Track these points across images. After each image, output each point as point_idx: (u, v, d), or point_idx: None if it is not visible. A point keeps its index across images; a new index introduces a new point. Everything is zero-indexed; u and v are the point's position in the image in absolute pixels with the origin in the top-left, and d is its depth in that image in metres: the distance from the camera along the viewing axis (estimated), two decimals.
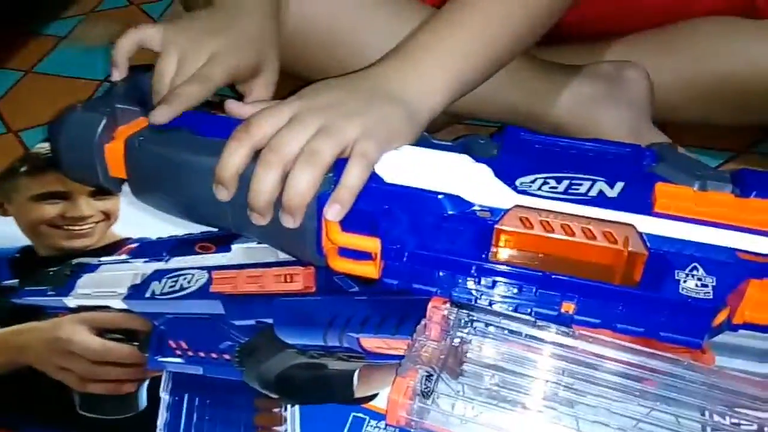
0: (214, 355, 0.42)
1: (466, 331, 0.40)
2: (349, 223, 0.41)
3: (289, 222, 0.41)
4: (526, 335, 0.40)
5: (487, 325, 0.41)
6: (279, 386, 0.41)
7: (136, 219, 0.53)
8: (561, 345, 0.40)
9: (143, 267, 0.48)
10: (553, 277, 0.39)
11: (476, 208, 0.41)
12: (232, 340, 0.43)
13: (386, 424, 0.38)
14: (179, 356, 0.42)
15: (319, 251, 0.43)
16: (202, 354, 0.43)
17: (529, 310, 0.40)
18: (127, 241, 0.51)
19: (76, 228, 0.52)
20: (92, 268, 0.48)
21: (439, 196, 0.41)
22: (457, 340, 0.40)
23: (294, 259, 0.48)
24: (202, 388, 0.41)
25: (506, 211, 0.40)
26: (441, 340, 0.40)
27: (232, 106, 0.45)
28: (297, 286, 0.47)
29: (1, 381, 0.42)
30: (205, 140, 0.44)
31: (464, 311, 0.41)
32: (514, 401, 0.38)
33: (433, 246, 0.41)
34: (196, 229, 0.51)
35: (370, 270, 0.41)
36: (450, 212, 0.41)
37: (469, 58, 0.46)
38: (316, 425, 0.39)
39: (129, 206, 0.54)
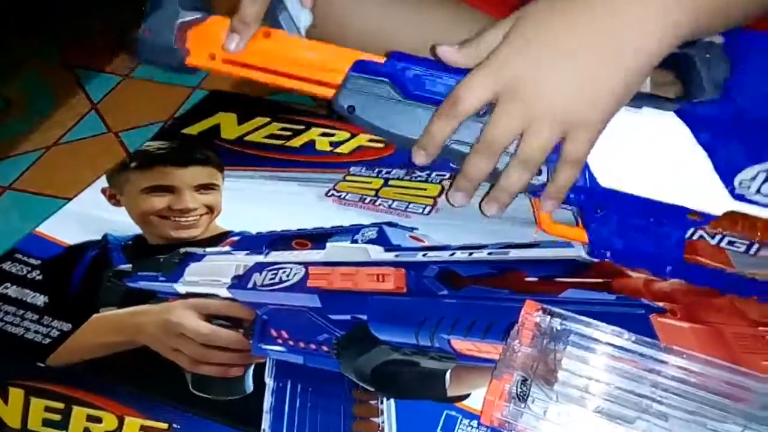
0: (313, 346, 0.45)
1: (558, 338, 0.41)
2: None
3: (492, 210, 0.46)
4: (618, 346, 0.41)
5: (579, 334, 0.42)
6: (374, 380, 0.43)
7: (237, 213, 0.56)
8: (653, 359, 0.41)
9: (245, 259, 0.51)
10: None
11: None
12: (329, 332, 0.46)
13: (479, 424, 0.40)
14: (281, 345, 0.45)
15: None
16: (302, 344, 0.45)
17: None
18: (229, 234, 0.54)
19: (182, 219, 0.55)
20: (198, 258, 0.52)
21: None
22: (550, 348, 0.41)
23: (386, 259, 0.50)
24: (304, 376, 0.43)
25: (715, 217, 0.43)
26: (534, 347, 0.41)
27: (445, 53, 0.44)
28: (388, 286, 0.49)
29: (120, 359, 0.45)
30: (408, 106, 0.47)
31: (557, 319, 0.42)
32: (606, 411, 0.39)
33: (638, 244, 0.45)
34: (293, 225, 0.54)
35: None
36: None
37: None
38: (411, 419, 0.41)
39: (230, 201, 0.57)
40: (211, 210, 0.56)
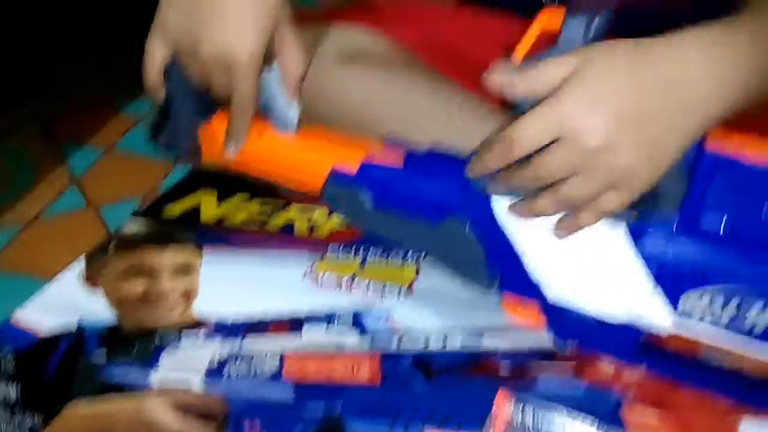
0: None
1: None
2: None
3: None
4: None
5: (549, 429, 0.42)
6: None
7: (214, 295, 0.56)
8: None
9: (220, 347, 0.51)
10: None
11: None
12: (303, 425, 0.46)
13: None
14: None
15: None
16: None
17: None
18: (205, 320, 0.54)
19: (159, 305, 0.55)
20: (174, 346, 0.52)
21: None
22: None
23: (361, 347, 0.51)
24: None
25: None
26: None
27: (504, 78, 0.41)
28: (363, 375, 0.49)
29: None
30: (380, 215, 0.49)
31: (528, 410, 0.43)
32: None
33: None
34: (271, 307, 0.55)
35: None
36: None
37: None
38: None
39: (208, 283, 0.57)
40: (188, 295, 0.56)
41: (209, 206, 0.66)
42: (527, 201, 0.44)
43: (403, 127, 0.63)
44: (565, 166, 0.40)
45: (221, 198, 0.67)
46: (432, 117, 0.63)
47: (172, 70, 0.49)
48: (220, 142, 0.52)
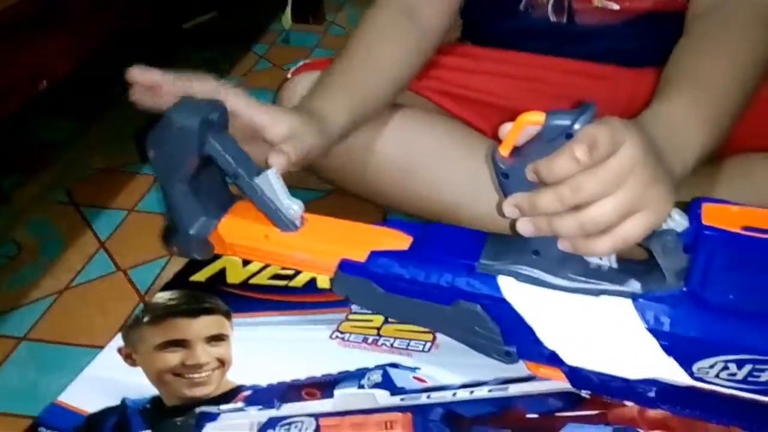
0: None
1: None
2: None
3: (527, 229, 0.46)
4: None
5: None
6: None
7: (247, 364, 0.59)
8: None
9: (258, 415, 0.54)
10: None
11: None
12: None
13: None
14: None
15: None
16: None
17: None
18: (241, 388, 0.56)
19: (196, 376, 0.58)
20: (214, 417, 0.54)
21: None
22: None
23: (392, 404, 0.53)
24: None
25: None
26: None
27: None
28: None
29: None
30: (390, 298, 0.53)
31: None
32: None
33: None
34: (302, 372, 0.57)
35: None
36: None
37: (724, 100, 0.53)
38: None
39: (240, 352, 0.60)
40: (223, 363, 0.58)
41: (234, 269, 0.69)
42: (549, 218, 0.45)
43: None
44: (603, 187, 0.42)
45: (246, 262, 0.69)
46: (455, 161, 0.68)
47: (173, 182, 0.53)
48: (229, 241, 0.57)
